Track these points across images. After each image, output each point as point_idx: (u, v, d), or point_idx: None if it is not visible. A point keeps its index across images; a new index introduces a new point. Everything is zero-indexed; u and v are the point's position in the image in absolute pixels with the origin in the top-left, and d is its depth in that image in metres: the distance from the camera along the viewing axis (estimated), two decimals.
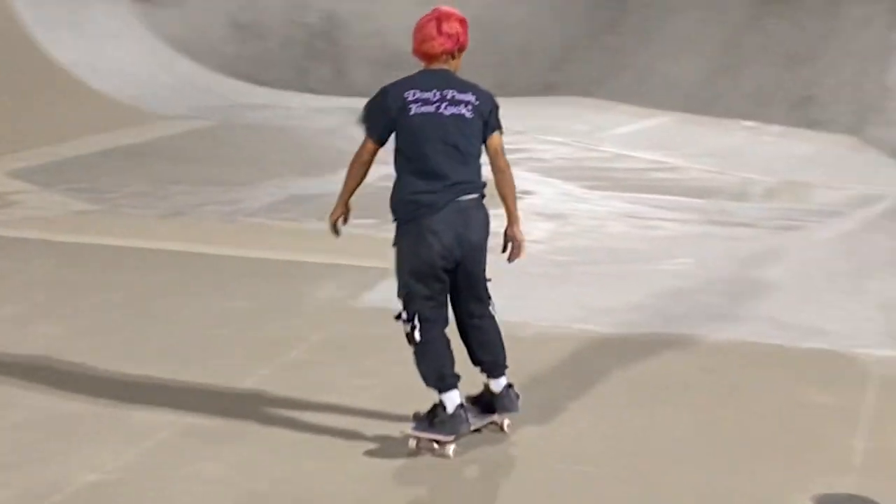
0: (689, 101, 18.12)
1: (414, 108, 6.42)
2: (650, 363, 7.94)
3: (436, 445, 6.47)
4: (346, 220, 6.73)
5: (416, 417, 6.60)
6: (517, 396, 6.73)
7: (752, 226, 12.25)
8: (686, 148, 16.10)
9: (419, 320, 6.47)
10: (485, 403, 6.76)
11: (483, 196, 6.56)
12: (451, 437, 6.47)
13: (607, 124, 17.64)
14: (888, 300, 9.21)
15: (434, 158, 6.42)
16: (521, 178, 13.39)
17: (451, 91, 6.49)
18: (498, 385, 6.72)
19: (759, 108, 17.35)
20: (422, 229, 6.40)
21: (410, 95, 6.46)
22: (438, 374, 6.51)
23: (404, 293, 6.52)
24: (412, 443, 6.52)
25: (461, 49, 6.57)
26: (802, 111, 16.98)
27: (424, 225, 6.39)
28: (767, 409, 7.20)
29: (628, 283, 9.81)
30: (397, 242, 6.56)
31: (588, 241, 11.34)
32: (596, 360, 7.98)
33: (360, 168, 6.59)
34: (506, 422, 6.78)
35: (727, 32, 18.95)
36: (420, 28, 6.55)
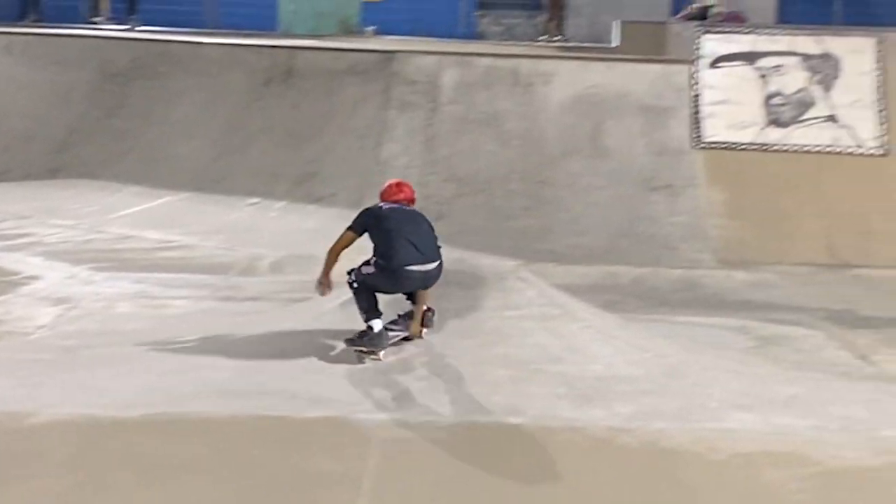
0: (197, 180, 18.04)
1: None
2: (157, 443, 7.73)
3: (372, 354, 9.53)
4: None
5: (351, 340, 9.64)
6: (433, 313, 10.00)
7: (261, 299, 12.28)
8: (195, 226, 16.02)
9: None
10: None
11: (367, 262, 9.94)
12: (381, 348, 9.56)
13: (115, 206, 17.28)
14: (386, 365, 9.40)
15: None
16: (26, 263, 12.99)
17: None
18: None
19: (264, 185, 17.50)
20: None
21: None
22: (367, 309, 9.73)
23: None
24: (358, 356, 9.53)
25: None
26: (306, 187, 17.26)
27: None
28: (273, 481, 7.16)
29: (137, 363, 9.55)
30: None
31: (96, 323, 11.02)
32: (102, 443, 7.70)
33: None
34: (424, 331, 9.91)
35: (231, 113, 19.04)
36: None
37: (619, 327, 10.71)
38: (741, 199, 16.97)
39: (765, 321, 12.59)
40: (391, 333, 9.84)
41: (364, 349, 9.62)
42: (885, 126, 17.71)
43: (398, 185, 10.55)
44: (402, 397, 8.68)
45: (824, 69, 18.17)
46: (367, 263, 9.94)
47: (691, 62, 18.23)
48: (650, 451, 7.91)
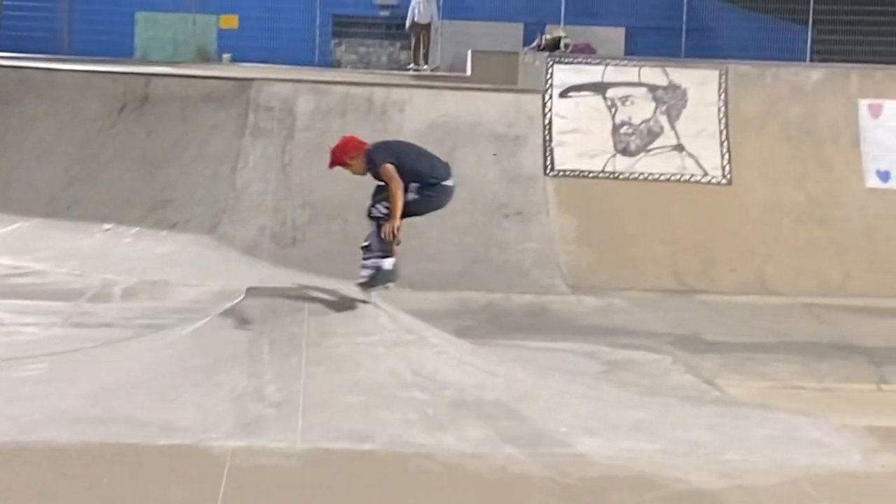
0: (50, 206, 17.72)
1: None
2: (6, 473, 7.54)
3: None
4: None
5: (366, 283, 10.26)
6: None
7: (114, 325, 12.08)
8: (47, 252, 15.73)
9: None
10: None
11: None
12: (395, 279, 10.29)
13: None
14: (238, 392, 9.29)
15: None
16: None
17: None
18: None
19: (118, 210, 17.24)
20: None
21: None
22: (384, 248, 10.16)
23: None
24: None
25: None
26: (160, 213, 17.04)
27: None
28: None
29: None
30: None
31: None
32: None
33: None
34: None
35: (85, 140, 18.73)
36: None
37: (471, 353, 10.72)
38: (591, 226, 17.18)
39: (613, 346, 12.73)
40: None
41: (383, 283, 10.26)
42: (728, 156, 18.08)
43: (350, 139, 10.75)
44: (254, 424, 8.57)
45: (671, 100, 18.51)
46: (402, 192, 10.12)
47: (543, 92, 18.42)
48: (500, 476, 7.92)
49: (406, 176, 10.19)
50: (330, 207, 16.88)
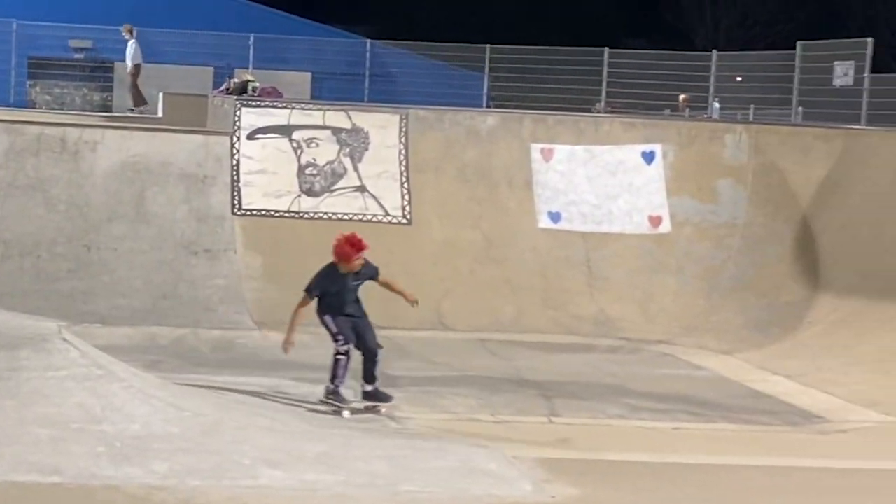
0: None
1: None
2: None
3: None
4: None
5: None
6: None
7: None
8: None
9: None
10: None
11: None
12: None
13: None
14: None
15: None
16: None
17: None
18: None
19: None
20: None
21: None
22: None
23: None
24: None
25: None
26: None
27: None
28: None
29: None
30: None
31: None
32: None
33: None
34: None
35: None
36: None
37: (158, 387, 10.65)
38: (276, 264, 17.30)
39: (298, 380, 12.85)
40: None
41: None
42: (408, 196, 18.50)
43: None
44: None
45: (354, 142, 18.83)
46: None
47: (231, 133, 18.47)
48: None
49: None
50: (22, 245, 16.59)
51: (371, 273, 12.41)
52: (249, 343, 15.04)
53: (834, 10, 54.32)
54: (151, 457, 8.71)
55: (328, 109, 19.34)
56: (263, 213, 18.09)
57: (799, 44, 25.48)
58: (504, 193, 18.75)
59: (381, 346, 12.17)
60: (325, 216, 18.25)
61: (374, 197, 18.50)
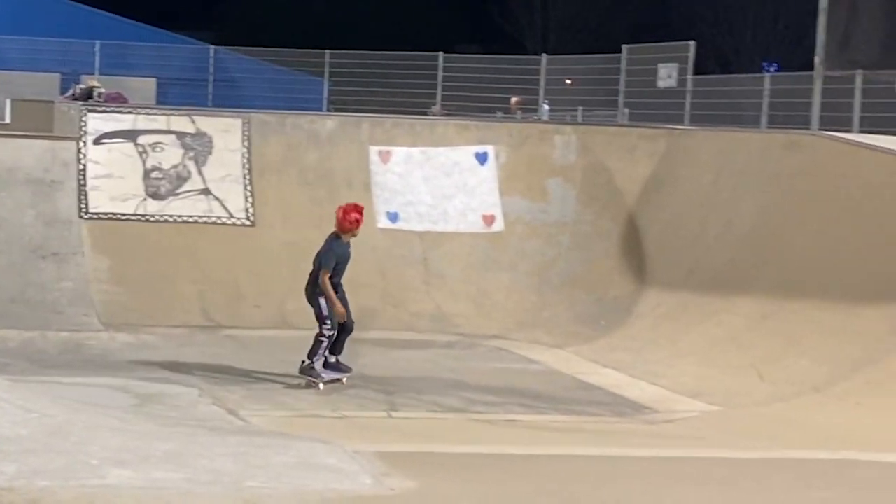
0: None
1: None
2: None
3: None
4: None
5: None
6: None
7: None
8: None
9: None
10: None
11: None
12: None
13: None
14: None
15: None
16: None
17: None
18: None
19: None
20: None
21: None
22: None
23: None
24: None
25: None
26: None
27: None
28: None
29: None
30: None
31: None
32: None
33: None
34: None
35: None
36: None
37: (6, 389, 10.43)
38: (124, 267, 17.08)
39: (145, 380, 12.71)
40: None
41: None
42: (251, 199, 18.39)
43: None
44: None
45: (198, 146, 18.68)
46: None
47: (77, 139, 18.16)
48: None
49: None
50: None
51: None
52: (97, 344, 14.82)
53: (658, 15, 55.38)
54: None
55: (173, 114, 19.14)
56: (110, 216, 17.83)
57: (624, 47, 25.98)
58: (344, 195, 18.62)
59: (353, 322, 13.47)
60: (171, 219, 18.06)
61: (218, 199, 18.36)
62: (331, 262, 13.36)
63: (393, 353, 15.46)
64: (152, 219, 18.00)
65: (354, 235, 13.70)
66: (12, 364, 13.07)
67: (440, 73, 29.76)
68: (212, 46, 34.02)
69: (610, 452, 10.35)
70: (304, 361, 13.19)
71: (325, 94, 31.73)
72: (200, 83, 32.06)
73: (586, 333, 16.53)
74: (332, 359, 13.35)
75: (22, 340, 14.60)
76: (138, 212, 18.02)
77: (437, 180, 18.97)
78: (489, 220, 18.87)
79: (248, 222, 18.25)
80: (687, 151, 18.70)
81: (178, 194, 18.31)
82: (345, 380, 13.34)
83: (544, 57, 29.07)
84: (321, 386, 13.06)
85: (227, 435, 10.38)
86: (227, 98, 30.00)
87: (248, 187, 18.48)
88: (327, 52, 31.55)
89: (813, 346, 13.57)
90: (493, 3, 59.20)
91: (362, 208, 13.86)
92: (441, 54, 30.08)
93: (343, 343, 13.50)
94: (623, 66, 25.51)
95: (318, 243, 18.03)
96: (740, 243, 16.33)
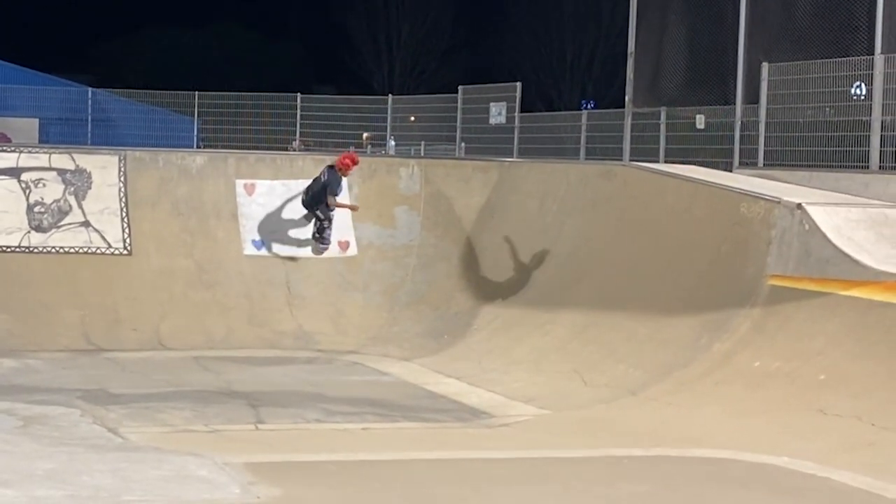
0: None
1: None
2: None
3: None
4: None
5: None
6: None
7: None
8: None
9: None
10: None
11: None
12: None
13: None
14: None
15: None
16: None
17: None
18: None
19: None
20: None
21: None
22: None
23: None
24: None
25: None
26: None
27: None
28: None
29: None
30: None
31: None
32: None
33: None
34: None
35: None
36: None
37: None
38: (9, 295, 16.56)
39: (29, 402, 12.22)
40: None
41: None
42: (128, 230, 18.00)
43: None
44: None
45: (78, 182, 18.24)
46: None
47: None
48: None
49: None
50: None
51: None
52: None
53: (489, 60, 55.97)
54: None
55: (54, 152, 18.61)
56: None
57: (460, 88, 26.09)
58: (213, 224, 18.47)
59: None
60: (54, 250, 17.56)
61: (97, 231, 17.91)
62: (335, 186, 17.72)
63: (259, 369, 15.21)
64: (36, 250, 17.46)
65: (345, 175, 17.87)
66: None
67: (298, 112, 29.56)
68: (90, 88, 33.26)
69: (451, 455, 10.31)
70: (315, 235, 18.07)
71: (196, 132, 31.24)
72: (80, 122, 31.30)
73: (431, 346, 16.50)
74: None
75: None
76: (22, 244, 17.46)
77: (297, 210, 18.79)
78: (344, 245, 18.74)
79: (125, 251, 17.83)
80: (515, 181, 18.85)
81: (59, 227, 17.81)
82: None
83: (390, 97, 29.08)
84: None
85: (107, 452, 10.06)
86: (105, 136, 29.37)
87: (125, 219, 18.06)
88: (196, 93, 31.08)
89: (628, 353, 13.70)
90: (345, 49, 59.19)
91: (356, 161, 18.18)
92: (299, 94, 29.90)
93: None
94: (459, 104, 25.61)
95: (190, 269, 17.84)
96: (563, 262, 16.50)
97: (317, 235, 18.04)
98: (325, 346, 16.91)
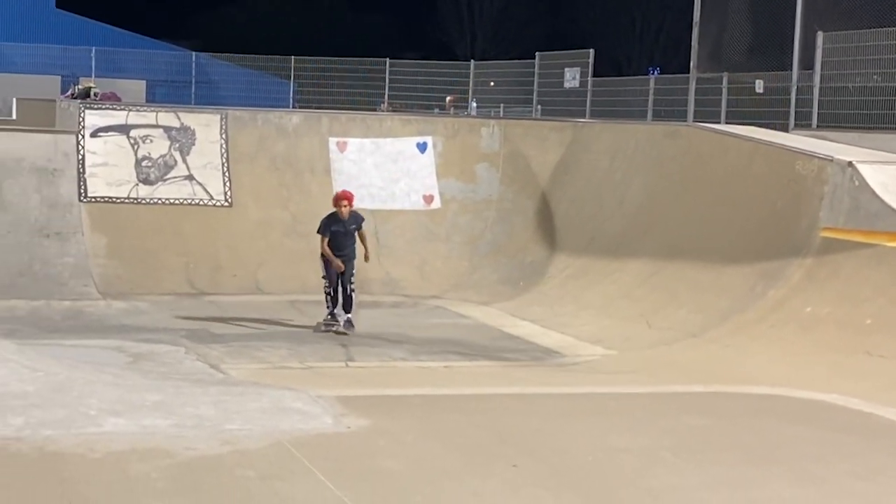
0: None
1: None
2: None
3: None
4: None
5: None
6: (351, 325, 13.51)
7: None
8: None
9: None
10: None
11: None
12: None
13: None
14: None
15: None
16: None
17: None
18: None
19: None
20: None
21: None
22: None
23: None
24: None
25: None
26: None
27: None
28: None
29: None
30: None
31: None
32: None
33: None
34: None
35: None
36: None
37: (14, 351, 10.12)
38: (119, 243, 16.74)
39: (137, 341, 12.40)
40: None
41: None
42: (229, 183, 18.12)
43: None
44: None
45: (182, 138, 18.35)
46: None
47: (76, 132, 17.75)
48: (39, 454, 7.54)
49: None
50: None
51: (358, 222, 14.02)
52: (96, 311, 14.47)
53: (564, 28, 55.38)
54: (7, 412, 8.25)
55: (160, 111, 18.77)
56: (106, 200, 17.44)
57: (537, 54, 25.82)
58: (308, 179, 18.54)
59: (353, 290, 13.80)
60: (160, 201, 17.73)
61: (200, 184, 18.04)
62: (322, 229, 13.87)
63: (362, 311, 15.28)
64: (143, 201, 17.64)
65: (342, 217, 13.82)
66: (20, 329, 12.71)
67: (387, 76, 29.49)
68: (193, 52, 33.50)
69: (528, 391, 10.27)
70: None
71: (292, 94, 31.34)
72: (184, 84, 31.58)
73: (508, 292, 16.45)
74: (346, 316, 13.74)
75: (29, 309, 14.22)
76: (131, 196, 17.65)
77: (385, 166, 18.79)
78: (428, 199, 18.70)
79: (226, 203, 17.96)
80: (588, 140, 18.66)
81: (165, 180, 17.97)
82: (335, 329, 13.65)
83: (472, 63, 28.87)
84: (335, 327, 13.69)
85: (209, 386, 10.15)
86: (207, 97, 29.62)
87: (226, 173, 18.18)
88: (293, 57, 31.16)
89: (689, 299, 13.58)
90: (428, 18, 58.95)
91: (344, 197, 14.06)
92: (388, 60, 29.82)
93: (340, 299, 13.79)
94: (536, 69, 25.34)
95: (286, 221, 17.95)
96: (630, 216, 16.36)
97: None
98: (410, 292, 16.93)
